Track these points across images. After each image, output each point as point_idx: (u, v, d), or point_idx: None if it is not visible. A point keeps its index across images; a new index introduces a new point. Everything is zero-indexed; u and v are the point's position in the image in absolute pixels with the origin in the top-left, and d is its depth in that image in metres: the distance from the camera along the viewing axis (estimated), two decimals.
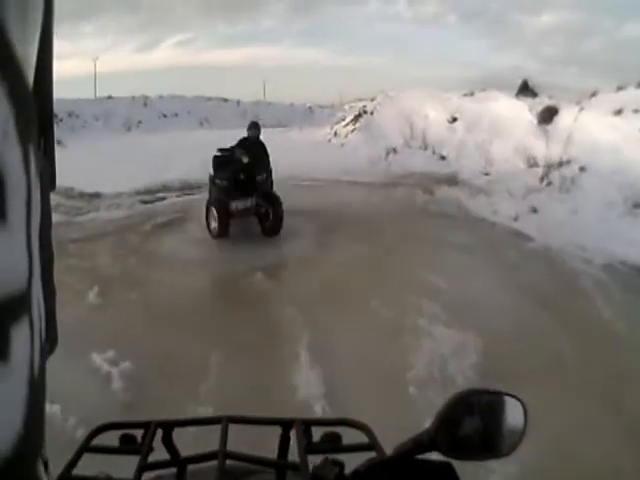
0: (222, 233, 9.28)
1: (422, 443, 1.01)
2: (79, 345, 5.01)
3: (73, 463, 1.21)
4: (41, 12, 0.51)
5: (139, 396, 4.71)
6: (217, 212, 9.27)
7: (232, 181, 9.40)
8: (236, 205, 9.33)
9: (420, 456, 1.03)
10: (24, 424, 0.37)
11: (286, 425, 1.29)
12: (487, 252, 8.75)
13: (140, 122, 36.20)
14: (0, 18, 0.36)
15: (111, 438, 1.30)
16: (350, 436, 1.28)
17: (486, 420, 1.04)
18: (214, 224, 9.35)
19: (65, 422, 4.11)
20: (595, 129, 11.97)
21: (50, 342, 0.76)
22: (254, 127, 10.07)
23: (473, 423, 1.02)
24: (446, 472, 1.03)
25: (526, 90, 18.44)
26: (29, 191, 0.40)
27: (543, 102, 15.12)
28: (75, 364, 4.88)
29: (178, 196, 13.93)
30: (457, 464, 1.03)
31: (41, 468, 0.45)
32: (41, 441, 0.47)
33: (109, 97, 38.78)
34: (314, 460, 1.09)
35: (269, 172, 9.99)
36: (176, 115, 40.63)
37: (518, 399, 1.05)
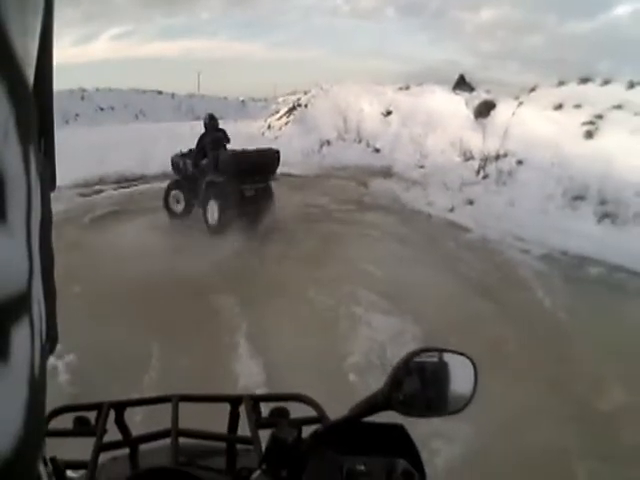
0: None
1: (376, 403, 1.00)
2: None
3: None
4: (41, 12, 0.50)
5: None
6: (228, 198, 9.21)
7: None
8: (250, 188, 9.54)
9: (372, 418, 1.03)
10: (24, 424, 0.36)
11: (235, 401, 1.32)
12: (424, 243, 8.69)
13: (77, 115, 36.67)
14: (0, 18, 0.35)
15: (65, 421, 1.27)
16: (297, 413, 1.28)
17: (439, 377, 1.05)
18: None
19: None
20: (534, 123, 12.08)
21: (50, 342, 0.68)
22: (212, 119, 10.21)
23: (426, 381, 1.03)
24: (399, 433, 1.08)
25: (463, 84, 18.54)
26: (29, 191, 0.40)
27: (480, 96, 15.29)
28: None
29: (114, 189, 13.71)
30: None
31: (41, 468, 0.46)
32: (41, 442, 0.46)
33: None
34: (265, 435, 1.08)
35: None
36: (112, 108, 41.42)
37: (468, 357, 1.06)
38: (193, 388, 1.55)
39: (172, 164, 10.34)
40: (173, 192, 10.14)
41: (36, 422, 0.39)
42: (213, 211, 9.22)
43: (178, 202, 10.07)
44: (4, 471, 0.34)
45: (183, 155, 10.15)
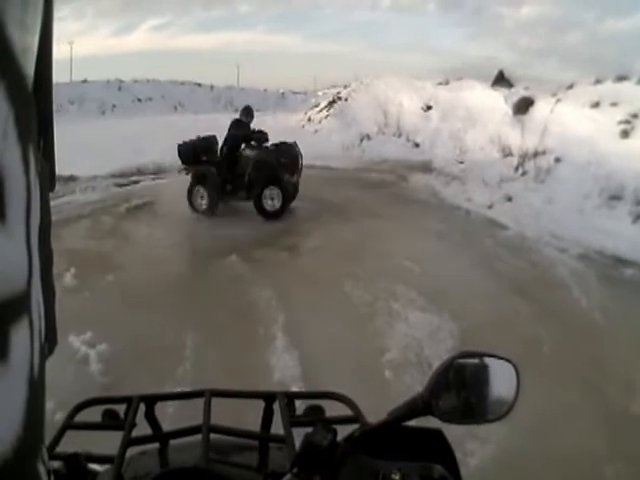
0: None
1: (416, 408, 0.99)
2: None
3: (56, 441, 1.19)
4: (41, 12, 0.51)
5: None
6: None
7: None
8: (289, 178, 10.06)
9: (411, 422, 1.02)
10: (23, 424, 0.38)
11: (269, 398, 1.31)
12: (462, 240, 8.70)
13: (115, 106, 35.74)
14: (0, 18, 0.36)
15: (94, 414, 1.29)
16: (333, 411, 1.29)
17: (480, 383, 1.03)
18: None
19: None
20: (572, 121, 12.04)
21: (49, 342, 0.71)
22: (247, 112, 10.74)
23: (467, 386, 1.02)
24: (437, 439, 1.06)
25: (502, 80, 18.44)
26: (29, 191, 0.40)
27: (519, 93, 15.18)
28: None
29: (152, 179, 13.83)
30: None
31: (41, 468, 0.45)
32: (41, 441, 0.46)
33: (84, 81, 37.99)
34: (298, 433, 1.07)
35: None
36: (150, 99, 40.29)
37: (511, 362, 1.04)
38: None
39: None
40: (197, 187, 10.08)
41: (35, 421, 0.41)
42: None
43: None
44: (4, 470, 0.35)
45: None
